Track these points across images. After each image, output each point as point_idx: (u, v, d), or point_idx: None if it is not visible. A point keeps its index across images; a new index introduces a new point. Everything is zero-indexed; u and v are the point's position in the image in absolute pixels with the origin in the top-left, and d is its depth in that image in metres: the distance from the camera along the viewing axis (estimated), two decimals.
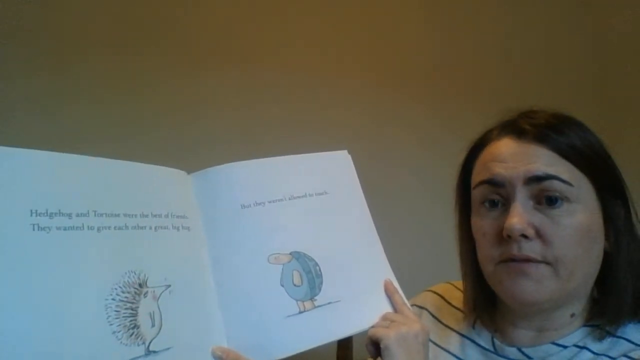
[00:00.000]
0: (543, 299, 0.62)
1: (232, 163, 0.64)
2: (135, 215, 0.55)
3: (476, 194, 0.67)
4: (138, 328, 0.52)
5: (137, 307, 0.53)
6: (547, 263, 0.61)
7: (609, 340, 0.64)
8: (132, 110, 1.29)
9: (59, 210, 0.50)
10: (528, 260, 0.61)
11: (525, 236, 0.61)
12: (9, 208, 0.47)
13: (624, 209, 0.65)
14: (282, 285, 0.61)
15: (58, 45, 1.23)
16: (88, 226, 0.51)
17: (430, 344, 0.72)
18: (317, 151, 1.35)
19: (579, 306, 0.67)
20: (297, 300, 0.61)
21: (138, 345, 0.51)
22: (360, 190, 0.72)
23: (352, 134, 1.44)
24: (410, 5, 1.55)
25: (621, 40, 1.65)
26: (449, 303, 0.79)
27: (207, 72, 1.35)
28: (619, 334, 0.64)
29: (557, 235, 0.61)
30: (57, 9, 1.23)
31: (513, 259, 0.62)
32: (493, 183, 0.65)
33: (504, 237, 0.62)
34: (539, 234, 0.61)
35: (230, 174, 0.64)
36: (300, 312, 0.61)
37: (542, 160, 0.62)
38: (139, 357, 0.51)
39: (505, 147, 0.66)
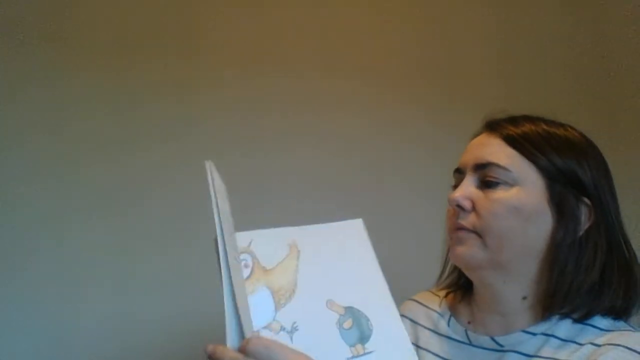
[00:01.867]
0: (473, 263, 0.72)
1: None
2: None
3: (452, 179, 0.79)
4: None
5: None
6: (477, 233, 0.71)
7: (576, 327, 0.69)
8: (130, 121, 1.30)
9: None
10: (462, 227, 0.72)
11: (462, 208, 0.72)
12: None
13: (589, 209, 0.70)
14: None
15: (59, 53, 1.26)
16: None
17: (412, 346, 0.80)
18: (313, 159, 1.37)
19: (526, 288, 0.72)
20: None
21: None
22: (373, 257, 0.75)
23: (349, 137, 1.44)
24: (408, 6, 1.56)
25: (621, 41, 1.63)
26: (427, 307, 0.86)
27: (203, 79, 1.35)
28: (586, 321, 0.69)
29: (485, 207, 0.70)
30: (59, 15, 1.26)
31: (455, 229, 0.73)
32: (458, 170, 0.77)
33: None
34: (475, 208, 0.71)
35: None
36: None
37: (489, 148, 0.73)
38: None
39: (476, 140, 0.77)
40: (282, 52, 1.43)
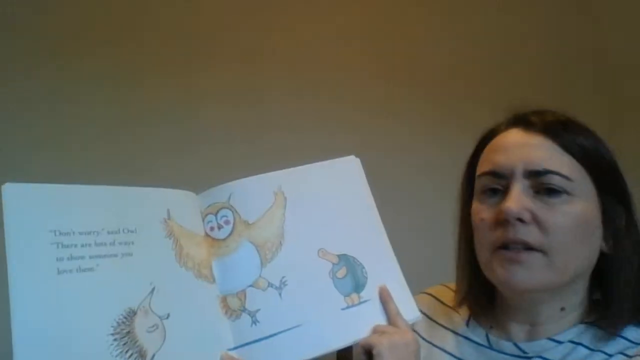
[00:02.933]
0: (535, 288, 0.64)
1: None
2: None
3: (479, 182, 0.69)
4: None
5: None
6: (542, 251, 0.62)
7: (605, 336, 0.65)
8: (130, 108, 1.30)
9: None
10: (524, 243, 0.62)
11: (521, 220, 0.62)
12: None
13: (625, 216, 0.67)
14: None
15: (53, 45, 1.24)
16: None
17: (426, 343, 0.76)
18: (326, 149, 1.36)
19: (570, 301, 0.68)
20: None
21: None
22: (370, 197, 0.73)
23: (361, 133, 1.45)
24: (421, 4, 1.56)
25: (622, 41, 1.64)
26: (443, 303, 0.81)
27: (208, 71, 1.37)
28: (616, 331, 0.65)
29: (553, 221, 0.62)
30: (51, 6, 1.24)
31: (507, 247, 0.63)
32: (495, 174, 0.66)
33: (501, 223, 0.64)
34: (536, 220, 0.62)
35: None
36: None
37: (544, 152, 0.64)
38: None
39: (511, 137, 0.67)
40: (291, 47, 1.43)
